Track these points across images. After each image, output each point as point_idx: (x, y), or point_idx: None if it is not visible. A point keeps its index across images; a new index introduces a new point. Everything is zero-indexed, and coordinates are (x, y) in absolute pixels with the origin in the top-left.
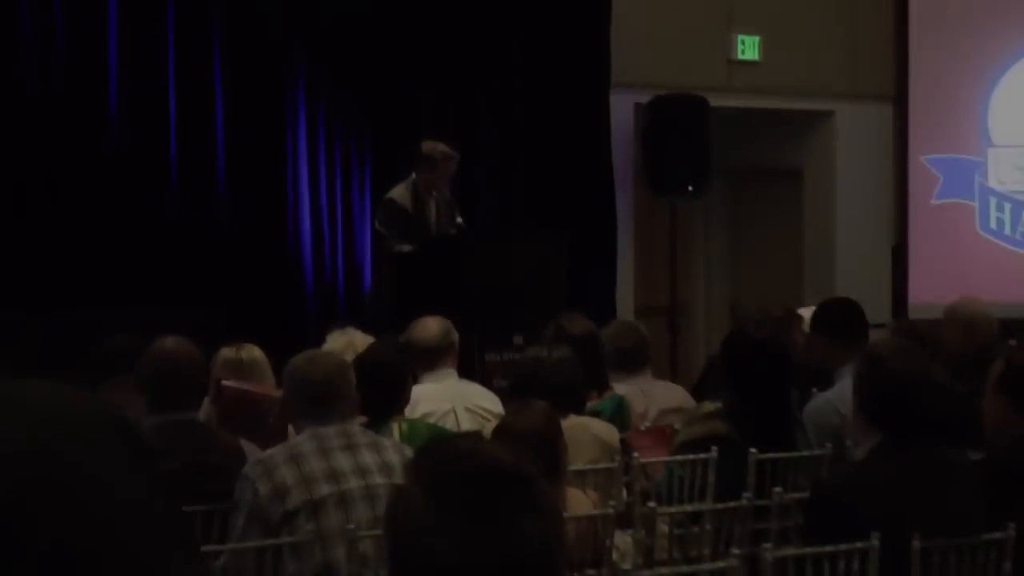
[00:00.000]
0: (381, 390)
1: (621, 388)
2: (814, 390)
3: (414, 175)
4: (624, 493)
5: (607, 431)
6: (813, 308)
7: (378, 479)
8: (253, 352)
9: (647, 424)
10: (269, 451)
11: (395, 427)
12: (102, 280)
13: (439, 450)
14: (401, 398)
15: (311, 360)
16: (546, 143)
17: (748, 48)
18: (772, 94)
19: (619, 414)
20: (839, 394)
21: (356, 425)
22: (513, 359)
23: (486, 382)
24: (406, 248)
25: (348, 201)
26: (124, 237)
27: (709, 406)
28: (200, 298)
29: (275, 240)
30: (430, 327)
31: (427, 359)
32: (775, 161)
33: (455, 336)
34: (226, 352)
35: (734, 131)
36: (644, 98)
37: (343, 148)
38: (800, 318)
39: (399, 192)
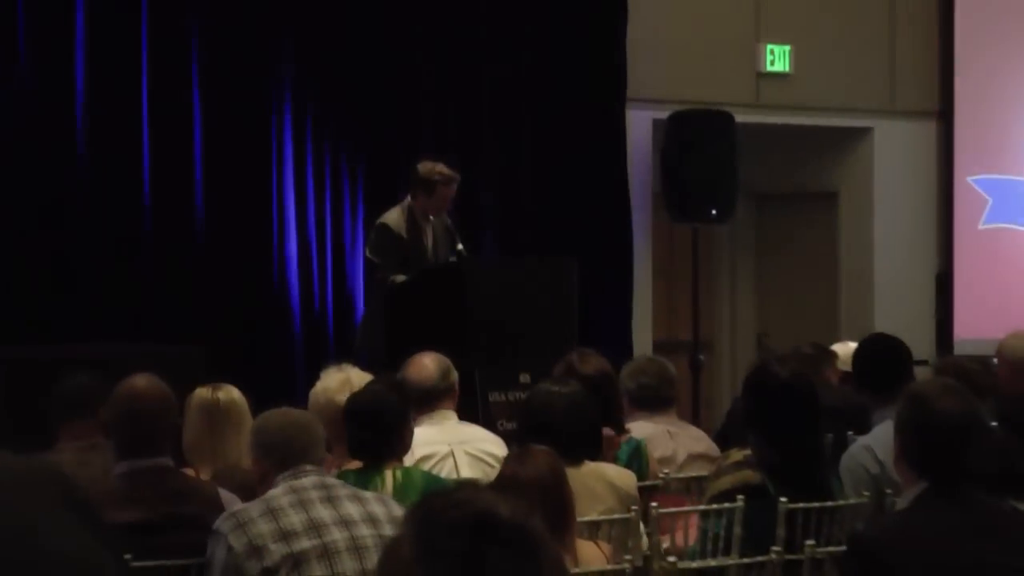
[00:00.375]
0: (375, 434)
1: (645, 429)
2: (850, 434)
3: (409, 198)
4: (643, 544)
5: (623, 478)
6: (849, 344)
7: (364, 531)
8: (231, 394)
9: (666, 472)
10: (242, 505)
11: (388, 474)
12: (64, 313)
13: (433, 499)
14: (398, 443)
15: (270, 419)
16: (556, 163)
17: (778, 59)
18: (804, 109)
19: (637, 460)
20: (878, 439)
21: (334, 477)
22: (519, 399)
23: (490, 424)
24: (400, 278)
25: (339, 225)
26: (89, 263)
27: (737, 454)
28: (175, 332)
29: (259, 267)
30: (427, 366)
31: (424, 401)
32: (807, 182)
33: (454, 376)
34: (201, 393)
35: (762, 150)
36: (663, 114)
37: (334, 166)
38: (834, 355)
39: (393, 217)
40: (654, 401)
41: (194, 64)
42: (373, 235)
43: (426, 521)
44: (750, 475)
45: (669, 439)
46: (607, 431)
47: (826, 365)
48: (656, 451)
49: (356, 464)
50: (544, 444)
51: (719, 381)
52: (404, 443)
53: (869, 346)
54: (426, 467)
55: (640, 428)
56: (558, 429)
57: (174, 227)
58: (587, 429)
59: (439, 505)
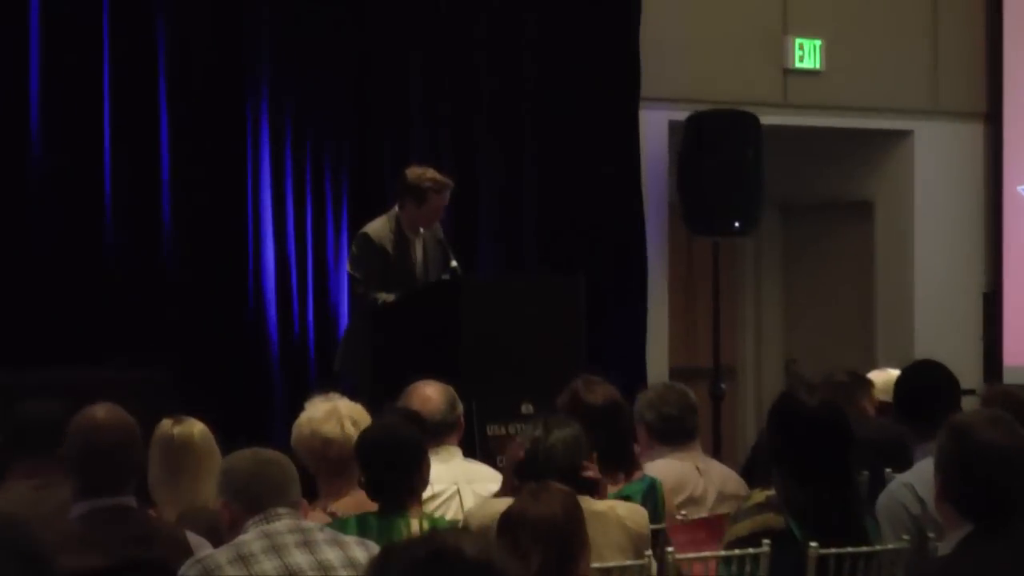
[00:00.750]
0: (398, 474)
1: (671, 468)
2: (888, 471)
3: (397, 208)
4: None
5: (637, 519)
6: (887, 371)
7: (343, 574)
8: (191, 428)
9: (683, 513)
10: (209, 551)
11: (415, 523)
12: (15, 334)
13: (400, 540)
14: (420, 483)
15: (239, 459)
16: (561, 170)
17: (808, 54)
18: (836, 109)
19: (651, 500)
20: (919, 476)
21: (348, 519)
22: (521, 432)
23: (488, 460)
24: (384, 297)
25: (321, 236)
26: (44, 280)
27: (759, 495)
28: (140, 356)
29: (232, 284)
30: (431, 398)
31: (429, 436)
32: (840, 191)
33: (461, 408)
34: (162, 427)
35: (790, 155)
36: (681, 115)
37: (315, 171)
38: (870, 383)
39: (377, 227)
40: (678, 433)
41: (160, 59)
42: (354, 246)
43: (386, 555)
44: (772, 519)
45: (699, 477)
46: (592, 472)
47: (862, 394)
48: (684, 491)
49: (369, 508)
50: None
51: (742, 412)
52: (424, 481)
53: (912, 373)
54: (431, 508)
55: (665, 466)
56: (555, 468)
57: (138, 239)
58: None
59: (403, 543)
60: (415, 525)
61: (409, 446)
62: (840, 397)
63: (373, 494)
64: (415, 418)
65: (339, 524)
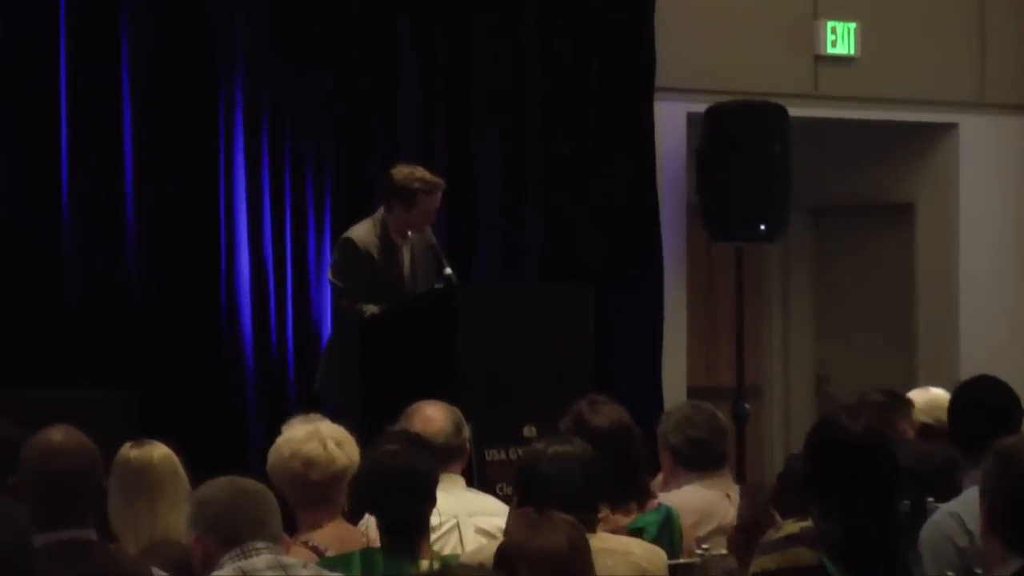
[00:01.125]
0: (413, 511)
1: (697, 494)
2: (930, 500)
3: (383, 210)
4: None
5: (651, 557)
6: (931, 390)
7: None
8: (150, 453)
9: (705, 548)
10: None
11: (424, 564)
12: None
13: None
14: (430, 515)
15: (213, 489)
16: (567, 169)
17: (841, 39)
18: (872, 101)
19: (668, 532)
20: (967, 505)
21: (292, 557)
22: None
23: (487, 489)
24: (370, 309)
25: (301, 243)
26: None
27: (791, 526)
28: (103, 375)
29: (203, 295)
30: (435, 419)
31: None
32: (877, 191)
33: (467, 432)
34: (122, 452)
35: (821, 151)
36: (700, 107)
37: (295, 171)
38: (909, 404)
39: (362, 232)
40: (707, 459)
41: (123, 47)
42: (336, 252)
43: None
44: (804, 554)
45: (728, 506)
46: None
47: (900, 416)
48: (711, 522)
49: (328, 533)
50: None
51: (768, 437)
52: (431, 511)
53: (967, 390)
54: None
55: (690, 495)
56: (552, 501)
57: (98, 245)
58: (590, 499)
59: None
60: (424, 565)
61: (426, 478)
62: (876, 419)
63: (387, 533)
64: (423, 443)
65: (341, 562)
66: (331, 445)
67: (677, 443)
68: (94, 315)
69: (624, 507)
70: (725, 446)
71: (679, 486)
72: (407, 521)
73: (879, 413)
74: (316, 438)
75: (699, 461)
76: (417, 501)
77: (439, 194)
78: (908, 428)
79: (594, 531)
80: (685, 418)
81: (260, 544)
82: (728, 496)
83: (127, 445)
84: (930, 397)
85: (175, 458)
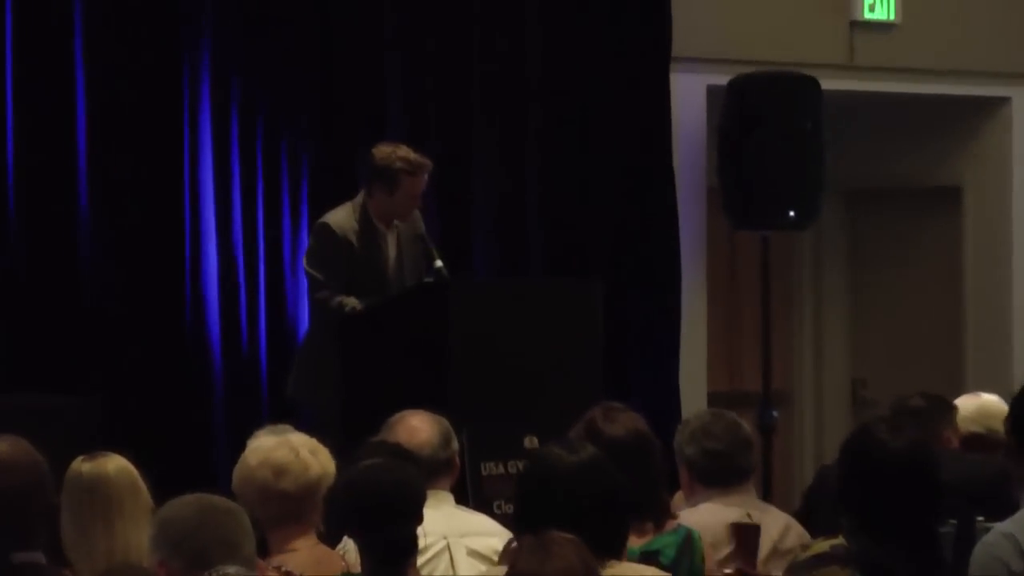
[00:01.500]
0: (402, 531)
1: (714, 513)
2: (979, 519)
3: (364, 194)
4: None
5: None
6: (981, 395)
7: None
8: (104, 467)
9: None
10: None
11: None
12: None
13: None
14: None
15: (179, 507)
16: (573, 149)
17: (880, 3)
18: (914, 72)
19: (688, 556)
20: (1023, 525)
21: None
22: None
23: (483, 506)
24: (351, 303)
25: (275, 235)
26: None
27: (821, 544)
28: (60, 379)
29: (167, 292)
30: (420, 430)
31: None
32: (920, 173)
33: (455, 444)
34: (75, 465)
35: (857, 129)
36: (722, 79)
37: (268, 156)
38: (952, 409)
39: (341, 217)
40: (727, 474)
41: (76, 16)
42: (312, 239)
43: None
44: (836, 573)
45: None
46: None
47: (943, 423)
48: (728, 544)
49: (303, 557)
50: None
51: (798, 448)
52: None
53: None
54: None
55: (705, 514)
56: (563, 514)
57: (51, 238)
58: (608, 512)
59: None
60: None
61: (413, 495)
62: (919, 432)
63: (377, 561)
64: (408, 456)
65: None
66: (304, 452)
67: (693, 455)
68: (45, 313)
69: (639, 527)
70: (749, 460)
71: (696, 504)
72: (393, 543)
73: (921, 422)
74: (286, 446)
75: (717, 476)
76: (403, 521)
77: (425, 176)
78: (953, 437)
79: (620, 557)
80: (703, 428)
81: (231, 569)
82: (749, 516)
83: (79, 459)
84: (980, 403)
85: (134, 471)
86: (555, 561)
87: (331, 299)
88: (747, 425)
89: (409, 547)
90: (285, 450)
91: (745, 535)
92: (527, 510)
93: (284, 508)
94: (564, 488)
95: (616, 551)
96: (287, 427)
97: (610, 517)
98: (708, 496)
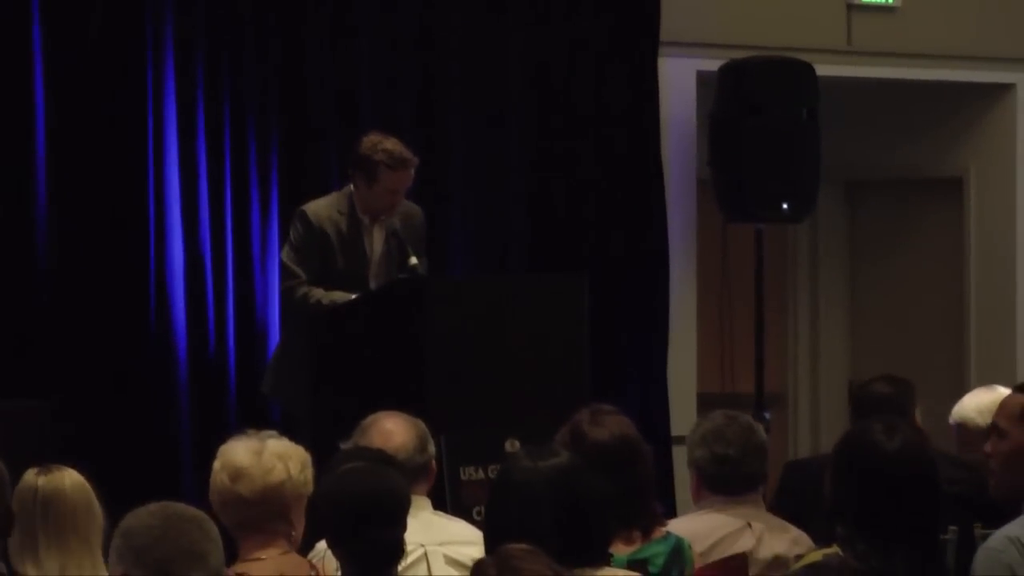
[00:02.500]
0: (390, 537)
1: (707, 521)
2: (978, 526)
3: (352, 187)
4: None
5: None
6: (996, 389)
7: None
8: (61, 480)
9: None
10: None
11: None
12: None
13: None
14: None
15: (141, 517)
16: (557, 138)
17: None
18: (914, 57)
19: (676, 565)
20: None
21: None
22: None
23: (461, 512)
24: (319, 296)
25: (244, 228)
26: None
27: (815, 555)
28: (11, 382)
29: (128, 290)
30: (395, 434)
31: None
32: (920, 163)
33: (432, 449)
34: (26, 479)
35: (856, 116)
36: (713, 64)
37: (236, 144)
38: (914, 390)
39: (322, 205)
40: (735, 480)
41: (35, 4)
42: (290, 227)
43: None
44: None
45: (748, 536)
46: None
47: (912, 408)
48: (721, 550)
49: (267, 567)
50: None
51: (793, 451)
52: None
53: None
54: None
55: (699, 521)
56: (526, 524)
57: (7, 237)
58: (577, 520)
59: None
60: None
61: (401, 500)
62: (915, 435)
63: (351, 561)
64: (389, 461)
65: None
66: (267, 456)
67: (701, 459)
68: (1, 313)
69: (626, 535)
70: (760, 467)
71: (702, 509)
72: (377, 549)
73: (892, 409)
74: (251, 448)
75: (726, 483)
76: (389, 525)
77: (409, 172)
78: (918, 418)
79: (597, 566)
80: (715, 430)
81: None
82: (750, 526)
83: (33, 471)
84: (995, 398)
85: (88, 487)
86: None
87: (296, 289)
88: (761, 430)
89: (394, 552)
90: (247, 453)
91: (727, 566)
92: (490, 521)
93: (242, 514)
94: (524, 497)
95: (591, 560)
96: (267, 432)
97: (580, 525)
98: (714, 502)
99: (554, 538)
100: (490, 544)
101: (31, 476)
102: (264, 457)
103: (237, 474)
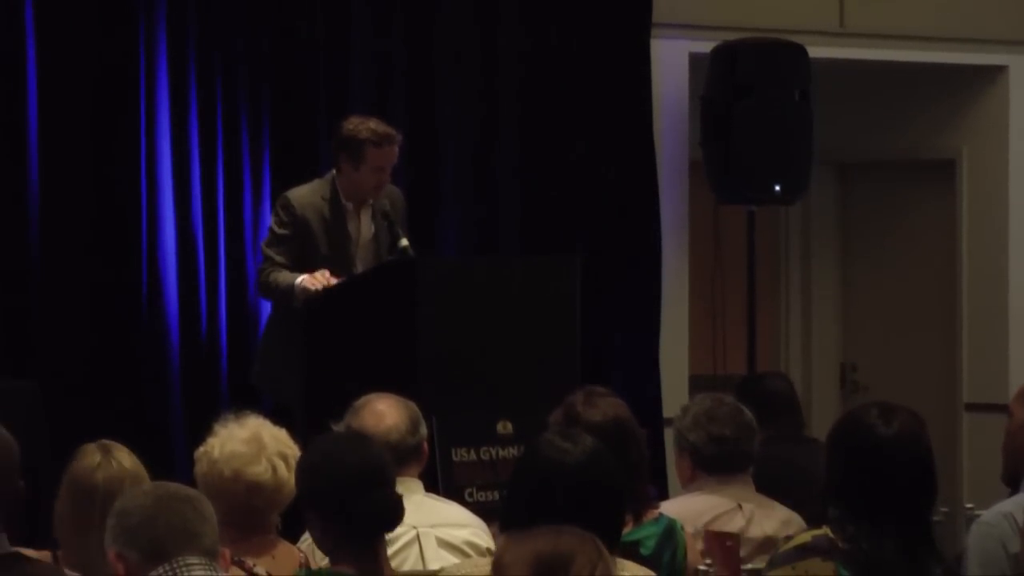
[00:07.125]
0: (380, 500)
1: (696, 503)
2: (969, 507)
3: (334, 172)
4: None
5: None
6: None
7: None
8: (121, 476)
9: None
10: None
11: None
12: None
13: None
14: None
15: (135, 496)
16: (548, 119)
17: None
18: (907, 39)
19: (669, 547)
20: (1022, 506)
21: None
22: (497, 457)
23: (453, 494)
24: (288, 282)
25: (236, 211)
26: None
27: (804, 536)
28: (4, 365)
29: (120, 274)
30: (386, 415)
31: None
32: (914, 144)
33: (424, 430)
34: (85, 467)
35: (848, 98)
36: (706, 46)
37: (228, 129)
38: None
39: (305, 192)
40: (732, 460)
41: None
42: (272, 214)
43: None
44: (818, 566)
45: (739, 516)
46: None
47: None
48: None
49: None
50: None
51: None
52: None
53: None
54: None
55: (691, 502)
56: (570, 505)
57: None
58: (611, 505)
59: None
60: None
61: (382, 465)
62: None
63: (355, 553)
64: (370, 442)
65: None
66: (280, 466)
67: (697, 442)
68: None
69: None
70: (752, 446)
71: (693, 491)
72: (370, 527)
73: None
74: (263, 455)
75: (723, 464)
76: (373, 490)
77: (394, 149)
78: None
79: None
80: (706, 413)
81: (192, 559)
82: (740, 507)
83: (88, 457)
84: None
85: (145, 476)
86: (569, 542)
87: (263, 273)
88: (747, 410)
89: (394, 513)
90: (263, 464)
91: (721, 543)
92: (512, 497)
93: (254, 519)
94: (550, 478)
95: (607, 546)
96: (254, 416)
97: (602, 511)
98: (708, 483)
99: (574, 522)
100: (506, 520)
101: (90, 465)
102: (279, 470)
103: (254, 490)
